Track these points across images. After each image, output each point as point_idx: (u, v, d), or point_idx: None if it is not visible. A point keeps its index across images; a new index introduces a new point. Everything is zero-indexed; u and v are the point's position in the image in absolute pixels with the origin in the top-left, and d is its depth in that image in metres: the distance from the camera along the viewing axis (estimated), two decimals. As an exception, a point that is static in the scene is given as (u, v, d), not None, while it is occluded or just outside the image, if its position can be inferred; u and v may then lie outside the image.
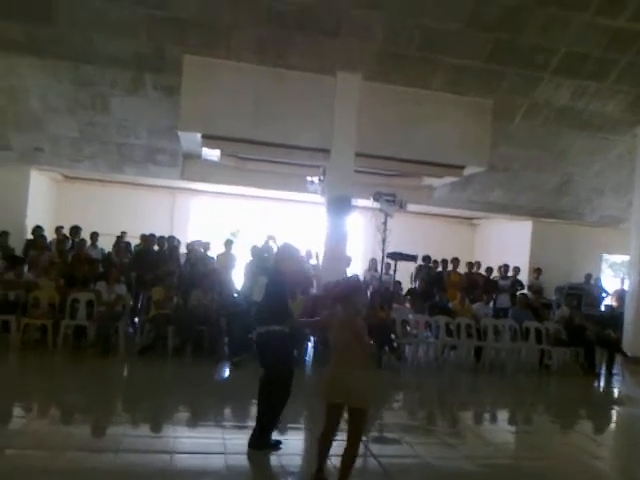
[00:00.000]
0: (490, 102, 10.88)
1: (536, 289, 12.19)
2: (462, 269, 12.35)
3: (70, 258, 10.30)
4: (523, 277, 12.98)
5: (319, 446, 4.30)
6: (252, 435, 4.98)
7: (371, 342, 4.37)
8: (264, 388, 5.02)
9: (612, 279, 15.69)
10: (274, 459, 4.85)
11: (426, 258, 11.94)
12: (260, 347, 5.11)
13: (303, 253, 10.96)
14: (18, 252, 10.47)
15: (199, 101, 9.80)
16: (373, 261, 11.75)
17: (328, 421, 4.19)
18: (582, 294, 12.52)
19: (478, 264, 12.67)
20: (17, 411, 6.09)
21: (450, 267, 12.02)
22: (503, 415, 7.78)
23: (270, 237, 10.64)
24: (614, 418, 8.04)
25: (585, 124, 11.79)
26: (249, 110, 9.89)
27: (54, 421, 5.83)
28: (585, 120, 11.68)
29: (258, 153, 11.18)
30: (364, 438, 5.65)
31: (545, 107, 11.37)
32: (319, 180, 11.16)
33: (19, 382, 7.06)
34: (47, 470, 4.27)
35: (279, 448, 5.00)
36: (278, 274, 5.16)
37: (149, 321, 8.87)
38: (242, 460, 4.82)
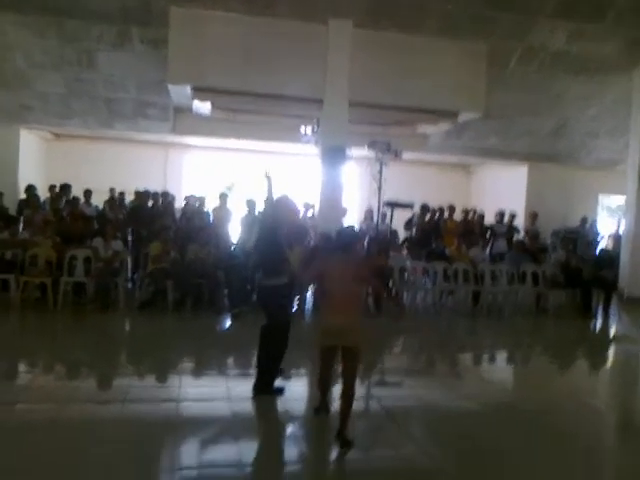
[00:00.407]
0: (484, 47, 10.65)
1: (532, 234, 12.21)
2: (458, 216, 12.35)
3: (65, 216, 10.23)
4: (519, 222, 13.00)
5: (319, 388, 4.58)
6: (255, 382, 5.10)
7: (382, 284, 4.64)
8: (264, 337, 5.13)
9: (608, 222, 15.73)
10: (278, 404, 4.95)
11: (424, 207, 11.90)
12: (260, 298, 5.36)
13: (301, 205, 10.95)
14: (12, 212, 10.40)
15: (187, 53, 9.57)
16: (369, 211, 11.73)
17: (323, 364, 4.40)
18: (578, 237, 12.56)
19: (474, 211, 12.66)
20: (22, 368, 6.17)
21: (446, 214, 12.01)
22: (501, 356, 7.93)
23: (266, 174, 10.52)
24: (610, 357, 8.19)
25: (581, 68, 11.59)
26: (239, 61, 9.68)
27: (59, 376, 5.90)
28: (581, 64, 11.47)
29: (250, 105, 10.99)
30: (366, 382, 5.78)
31: (540, 51, 11.14)
32: (313, 131, 11.04)
33: (22, 340, 7.13)
34: (54, 421, 4.35)
35: (282, 394, 5.10)
36: (274, 225, 5.19)
37: (147, 276, 8.89)
38: (246, 406, 4.91)
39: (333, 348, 4.25)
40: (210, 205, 11.25)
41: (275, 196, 5.29)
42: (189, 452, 4.06)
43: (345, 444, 4.07)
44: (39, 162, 14.03)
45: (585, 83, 12.06)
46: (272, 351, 5.08)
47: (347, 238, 4.42)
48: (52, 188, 11.51)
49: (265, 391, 5.06)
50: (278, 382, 5.20)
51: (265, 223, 5.32)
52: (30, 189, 10.99)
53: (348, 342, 4.12)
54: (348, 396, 4.15)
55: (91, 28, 10.06)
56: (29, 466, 3.61)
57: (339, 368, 4.32)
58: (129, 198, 11.52)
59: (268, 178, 5.33)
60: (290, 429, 4.56)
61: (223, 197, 11.15)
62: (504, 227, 12.09)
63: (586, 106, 12.80)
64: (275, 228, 5.17)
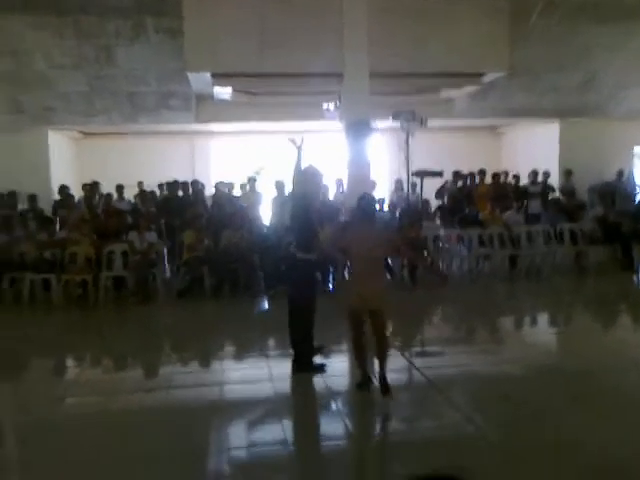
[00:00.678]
0: (505, 3, 10.34)
1: (568, 191, 11.95)
2: (490, 180, 12.13)
3: (99, 213, 10.42)
4: (554, 181, 12.71)
5: (355, 354, 4.73)
6: (293, 360, 5.17)
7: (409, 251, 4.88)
8: (293, 315, 5.17)
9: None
10: (319, 382, 4.98)
11: (456, 174, 11.71)
12: (288, 270, 5.44)
13: (333, 182, 10.90)
14: (47, 213, 10.62)
15: (204, 39, 9.55)
16: (399, 182, 11.61)
17: (354, 330, 4.63)
18: (615, 191, 12.21)
19: (506, 173, 12.42)
20: (70, 363, 6.35)
21: (477, 179, 11.81)
22: (542, 318, 7.81)
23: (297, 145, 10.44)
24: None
25: (605, 17, 11.14)
26: (255, 42, 9.61)
27: (106, 369, 6.04)
28: (604, 13, 11.03)
29: (270, 86, 10.95)
30: (407, 353, 5.77)
31: (562, 3, 10.77)
32: (335, 106, 10.94)
33: (68, 336, 7.30)
34: (103, 412, 4.47)
35: (324, 371, 5.13)
36: (305, 200, 5.17)
37: (183, 265, 9.01)
38: (288, 386, 4.96)
39: (360, 313, 4.54)
40: (240, 190, 11.30)
41: (303, 166, 5.26)
42: (235, 433, 4.12)
43: (385, 389, 4.49)
44: (70, 162, 14.25)
45: (610, 33, 11.59)
46: (301, 328, 5.11)
47: (365, 206, 4.67)
48: (85, 186, 11.71)
49: (304, 369, 5.10)
50: (318, 359, 5.23)
51: (297, 198, 5.27)
52: (63, 189, 11.20)
53: (373, 306, 4.47)
54: (382, 350, 4.58)
55: (106, 24, 10.11)
56: (81, 456, 3.72)
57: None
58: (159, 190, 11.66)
59: (299, 148, 5.34)
60: (334, 405, 4.58)
61: (252, 181, 11.19)
62: (538, 187, 11.84)
63: (613, 57, 12.35)
64: (306, 204, 5.16)
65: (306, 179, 5.19)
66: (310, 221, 5.13)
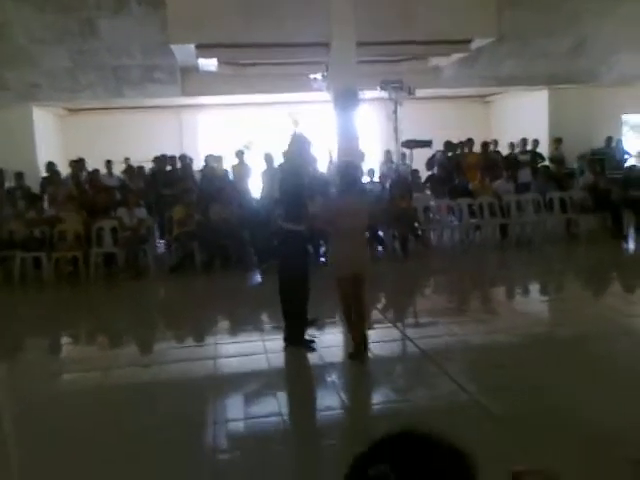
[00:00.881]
0: (494, -35, 10.21)
1: (557, 159, 11.94)
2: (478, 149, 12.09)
3: (87, 189, 10.31)
4: (544, 149, 12.70)
5: (347, 323, 4.87)
6: (285, 334, 5.16)
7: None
8: (283, 286, 5.11)
9: (634, 140, 15.27)
10: (313, 354, 4.99)
11: (447, 144, 11.63)
12: (278, 241, 5.41)
13: (324, 154, 10.80)
14: (34, 191, 10.50)
15: (187, 10, 9.35)
16: (388, 153, 11.55)
17: (343, 297, 4.77)
18: (604, 158, 12.23)
19: (495, 142, 12.39)
20: (64, 340, 6.34)
21: (466, 149, 11.75)
22: (534, 287, 7.86)
23: (294, 120, 10.31)
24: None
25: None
26: (240, 12, 9.43)
27: (100, 345, 6.04)
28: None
29: (256, 56, 10.78)
30: (400, 324, 5.81)
31: (550, -34, 10.65)
32: (322, 76, 10.80)
33: (61, 314, 7.29)
34: (99, 386, 4.49)
35: (314, 349, 5.04)
36: (296, 169, 5.16)
37: (174, 240, 8.96)
38: (282, 358, 4.99)
39: (347, 278, 4.69)
40: (229, 163, 11.20)
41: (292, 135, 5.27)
42: (231, 406, 4.15)
43: (364, 348, 4.72)
44: (56, 138, 14.06)
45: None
46: (293, 301, 5.06)
47: (345, 175, 4.89)
48: (71, 163, 11.56)
49: (296, 342, 5.08)
50: (311, 333, 5.24)
51: (285, 168, 5.33)
52: (50, 165, 11.06)
53: (357, 270, 4.70)
54: (362, 310, 4.82)
55: (88, -4, 9.89)
56: (77, 432, 3.73)
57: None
58: (148, 165, 11.53)
59: (295, 122, 5.32)
60: (328, 377, 4.60)
61: (240, 154, 11.08)
62: (527, 156, 11.81)
63: (603, 22, 12.24)
64: (295, 173, 5.15)
65: (294, 147, 5.17)
66: (299, 191, 5.08)
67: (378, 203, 9.32)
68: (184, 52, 10.10)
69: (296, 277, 5.03)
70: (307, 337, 5.16)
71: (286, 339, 5.14)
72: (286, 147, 5.29)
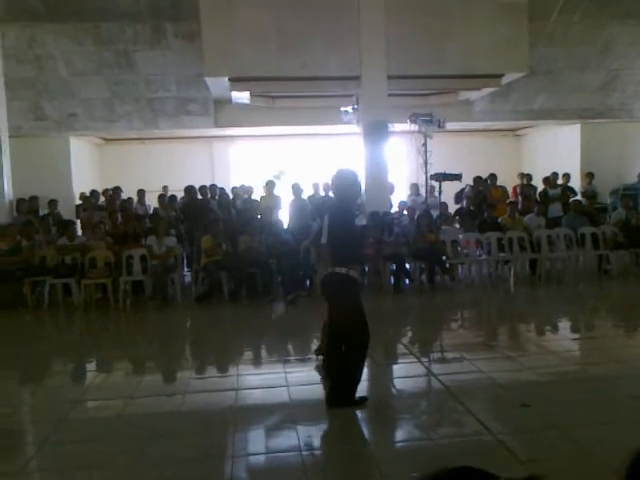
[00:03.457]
0: (525, 0, 10.24)
1: (590, 194, 11.79)
2: (510, 183, 12.00)
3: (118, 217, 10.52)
4: (576, 183, 12.54)
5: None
6: (329, 393, 4.52)
7: None
8: (335, 338, 4.49)
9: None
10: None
11: (476, 179, 11.56)
12: (325, 290, 4.53)
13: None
14: (66, 218, 10.73)
15: (221, 43, 9.62)
16: (414, 186, 11.55)
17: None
18: (637, 194, 12.03)
19: (529, 176, 12.29)
20: (90, 366, 6.39)
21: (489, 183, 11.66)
22: (564, 324, 7.67)
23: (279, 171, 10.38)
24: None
25: (627, 12, 11.00)
26: (273, 46, 9.66)
27: (125, 372, 6.07)
28: (627, 7, 10.89)
29: (287, 89, 11.00)
30: (425, 360, 5.72)
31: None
32: (353, 109, 10.93)
33: (88, 339, 7.37)
34: (120, 415, 4.49)
35: (364, 404, 4.48)
36: (342, 208, 4.48)
37: (201, 270, 9.03)
38: (304, 391, 4.93)
39: None
40: (258, 194, 11.33)
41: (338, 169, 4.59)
42: (250, 439, 4.11)
43: None
44: (92, 167, 14.44)
45: (633, 29, 11.43)
46: (350, 358, 4.43)
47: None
48: (106, 192, 11.84)
49: (344, 403, 4.41)
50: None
51: (336, 207, 4.56)
52: (92, 194, 11.41)
53: None
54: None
55: (125, 29, 10.26)
56: (98, 459, 3.73)
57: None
58: (180, 195, 11.73)
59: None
60: (349, 412, 4.53)
61: (270, 185, 11.20)
62: (558, 190, 11.68)
63: (636, 54, 12.16)
64: (346, 209, 4.49)
65: (344, 182, 4.47)
66: (350, 230, 4.46)
67: (405, 235, 9.29)
68: (218, 85, 10.34)
69: (355, 329, 4.35)
70: (358, 396, 4.47)
71: (332, 401, 4.42)
72: (331, 182, 4.67)
